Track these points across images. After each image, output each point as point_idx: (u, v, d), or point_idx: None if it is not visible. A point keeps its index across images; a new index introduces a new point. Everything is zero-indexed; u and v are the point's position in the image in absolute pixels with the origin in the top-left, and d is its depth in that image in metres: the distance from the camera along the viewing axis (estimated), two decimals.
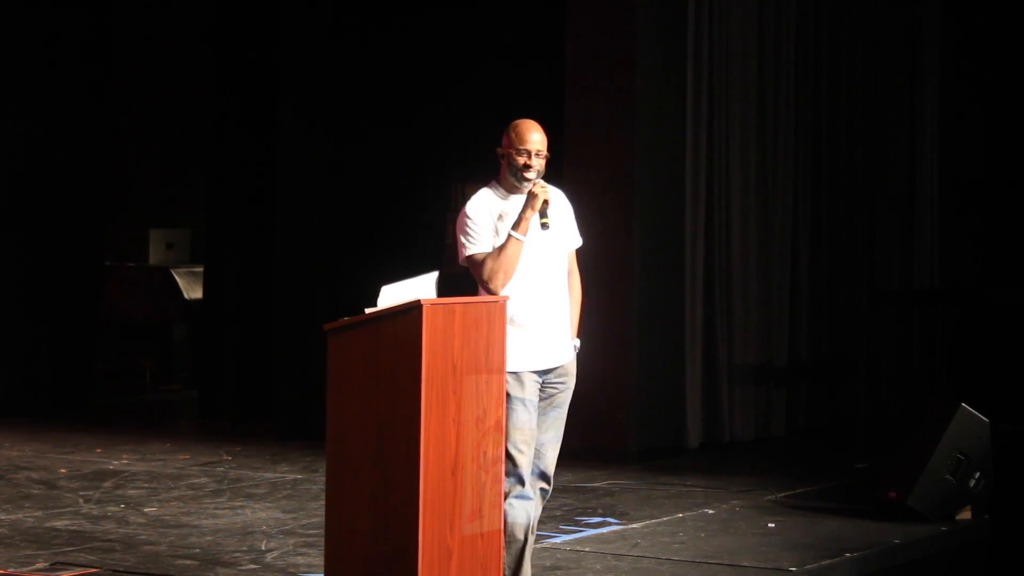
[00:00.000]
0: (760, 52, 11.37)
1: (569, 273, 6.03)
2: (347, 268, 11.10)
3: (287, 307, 11.33)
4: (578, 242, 6.08)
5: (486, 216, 5.81)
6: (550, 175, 5.89)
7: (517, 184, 5.83)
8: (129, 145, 14.69)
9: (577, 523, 8.02)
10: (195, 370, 13.39)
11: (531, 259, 5.81)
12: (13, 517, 8.07)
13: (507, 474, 5.73)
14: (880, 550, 7.53)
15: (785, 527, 7.98)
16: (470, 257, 5.80)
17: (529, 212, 5.75)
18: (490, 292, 5.74)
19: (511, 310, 5.75)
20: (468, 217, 5.82)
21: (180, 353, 14.42)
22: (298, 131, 11.37)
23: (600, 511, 8.38)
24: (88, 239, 12.96)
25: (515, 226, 5.75)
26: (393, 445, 5.35)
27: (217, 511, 8.32)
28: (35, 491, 8.89)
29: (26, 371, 12.39)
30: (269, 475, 9.54)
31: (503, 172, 5.88)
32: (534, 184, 5.78)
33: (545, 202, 5.76)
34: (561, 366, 5.92)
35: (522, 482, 5.80)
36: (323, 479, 5.65)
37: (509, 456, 5.73)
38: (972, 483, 8.12)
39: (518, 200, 5.83)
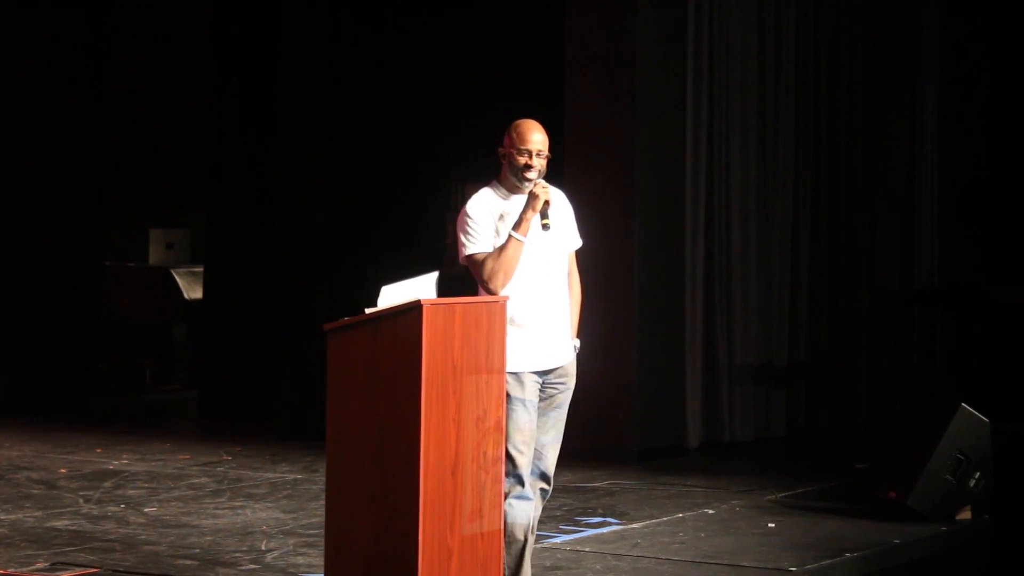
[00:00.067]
0: (760, 52, 11.37)
1: (569, 274, 6.02)
2: (347, 268, 11.09)
3: (287, 307, 11.33)
4: (578, 243, 6.08)
5: (487, 215, 5.81)
6: (550, 175, 5.89)
7: (518, 184, 5.83)
8: (129, 145, 14.69)
9: (577, 523, 8.02)
10: (195, 370, 13.39)
11: (531, 260, 5.81)
12: (13, 517, 8.07)
13: (507, 474, 5.73)
14: (880, 550, 7.53)
15: (785, 527, 7.98)
16: (470, 256, 5.80)
17: (530, 213, 5.75)
18: (490, 292, 5.74)
19: (511, 310, 5.75)
20: (469, 216, 5.82)
21: (180, 353, 14.43)
22: (298, 131, 11.37)
23: (600, 511, 8.38)
24: (88, 239, 12.97)
25: (516, 226, 5.75)
26: (393, 445, 5.35)
27: (217, 511, 8.32)
28: (35, 491, 8.89)
29: (26, 371, 12.39)
30: (269, 475, 9.54)
31: (504, 172, 5.87)
32: (535, 184, 5.78)
33: (546, 203, 5.76)
34: (561, 367, 5.92)
35: (522, 482, 5.80)
36: (323, 479, 5.65)
37: (509, 457, 5.73)
38: (972, 483, 8.12)
39: (519, 200, 5.83)
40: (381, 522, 5.36)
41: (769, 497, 8.84)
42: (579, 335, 6.06)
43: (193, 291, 14.14)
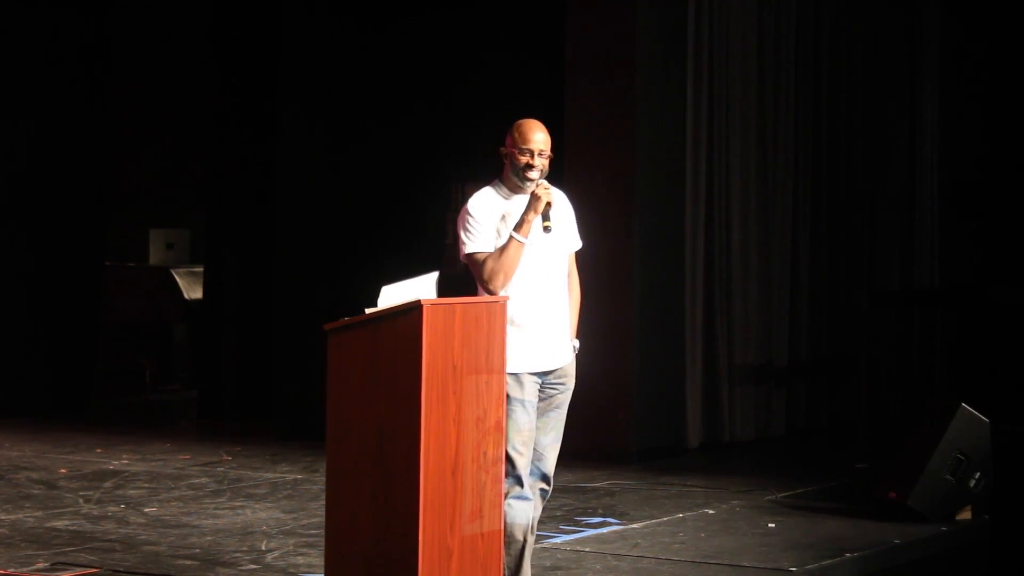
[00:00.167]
0: (760, 52, 11.38)
1: (568, 275, 6.02)
2: (347, 268, 11.10)
3: (287, 307, 11.33)
4: (578, 244, 6.07)
5: (489, 215, 5.80)
6: (551, 176, 5.88)
7: (520, 184, 5.82)
8: (129, 145, 14.70)
9: (577, 523, 8.02)
10: (195, 370, 13.39)
11: (532, 261, 5.80)
12: (13, 517, 8.06)
13: (506, 475, 5.72)
14: (880, 550, 7.53)
15: (785, 527, 7.98)
16: (470, 255, 5.80)
17: (532, 214, 5.74)
18: (489, 292, 5.73)
19: (511, 311, 5.74)
20: (470, 215, 5.81)
21: (180, 353, 14.43)
22: (298, 131, 11.37)
23: (600, 511, 8.38)
24: (88, 239, 12.97)
25: (517, 227, 5.74)
26: (393, 445, 5.34)
27: (217, 511, 8.32)
28: (35, 491, 8.89)
29: (26, 371, 12.39)
30: (269, 475, 9.54)
31: (506, 171, 5.86)
32: (538, 186, 5.77)
33: (548, 204, 5.75)
34: (560, 368, 5.92)
35: (521, 483, 5.80)
36: (323, 479, 5.64)
37: (508, 457, 5.73)
38: (972, 483, 8.12)
39: (521, 200, 5.82)
40: (381, 522, 5.35)
41: (769, 497, 8.84)
42: (579, 335, 6.06)
43: (193, 291, 14.15)
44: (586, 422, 8.75)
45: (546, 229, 5.76)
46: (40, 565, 6.93)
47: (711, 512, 8.37)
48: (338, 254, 11.25)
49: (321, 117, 11.31)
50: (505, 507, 5.72)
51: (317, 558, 6.85)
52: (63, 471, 9.60)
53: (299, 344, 10.98)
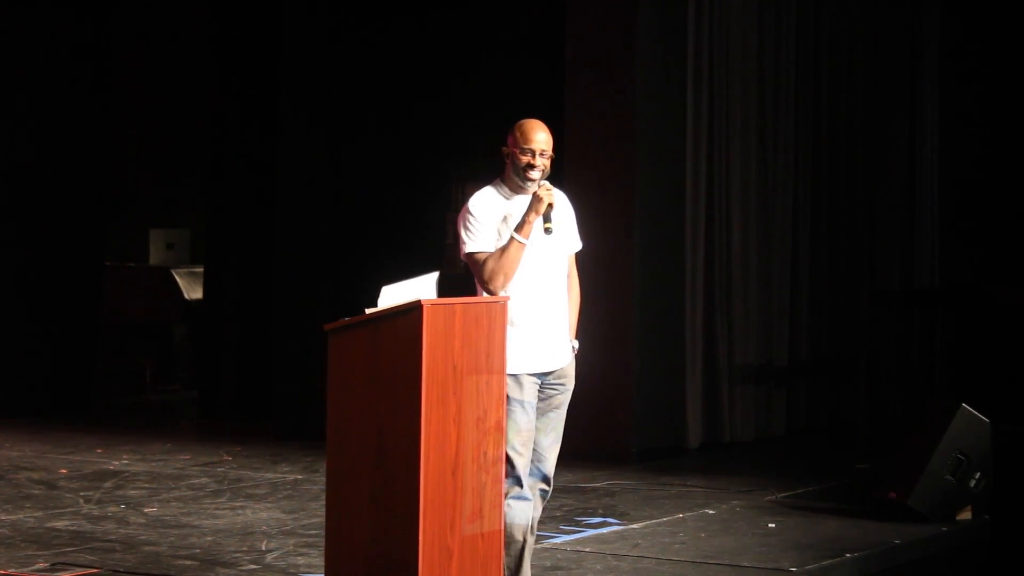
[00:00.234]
0: (760, 52, 11.38)
1: (568, 276, 6.01)
2: (347, 268, 11.10)
3: (287, 307, 11.33)
4: (578, 246, 6.06)
5: (490, 215, 5.79)
6: (550, 175, 5.88)
7: (521, 184, 5.82)
8: (129, 145, 14.70)
9: (577, 523, 8.02)
10: (195, 370, 13.39)
11: (532, 262, 5.80)
12: (14, 517, 8.06)
13: (505, 475, 5.72)
14: (880, 550, 7.53)
15: (785, 527, 7.98)
16: (471, 255, 5.79)
17: (533, 215, 5.73)
18: (489, 292, 5.73)
19: (510, 312, 5.74)
20: (471, 214, 5.80)
21: (180, 353, 14.44)
22: (298, 131, 11.37)
23: (600, 511, 8.38)
24: (88, 239, 12.97)
25: (518, 228, 5.73)
26: (393, 445, 5.34)
27: (217, 511, 8.31)
28: (35, 491, 8.89)
29: (26, 371, 12.39)
30: (269, 475, 9.54)
31: (508, 171, 5.85)
32: (540, 187, 5.77)
33: (549, 206, 5.75)
34: (560, 368, 5.91)
35: (520, 483, 5.79)
36: (323, 479, 5.64)
37: (507, 458, 5.72)
38: (972, 483, 8.12)
39: (522, 200, 5.81)
40: (381, 522, 5.35)
41: (769, 497, 8.84)
42: (578, 335, 6.06)
43: (193, 291, 14.15)
44: (586, 422, 8.74)
45: (547, 230, 5.75)
46: (40, 565, 6.93)
47: (711, 512, 8.37)
48: (338, 254, 11.25)
49: (321, 117, 11.31)
50: (504, 507, 5.72)
51: (317, 558, 6.85)
52: (63, 471, 9.60)
53: (299, 344, 10.98)
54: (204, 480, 9.35)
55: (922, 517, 8.04)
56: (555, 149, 5.89)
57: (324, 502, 5.57)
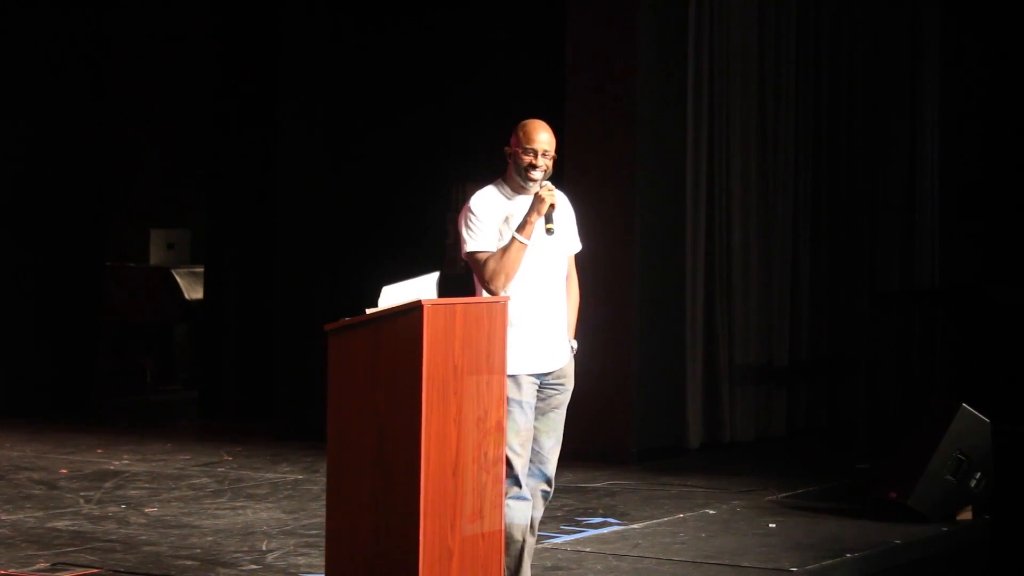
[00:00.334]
0: (760, 52, 11.37)
1: (568, 276, 6.01)
2: (347, 268, 11.10)
3: (287, 307, 11.33)
4: (578, 247, 6.06)
5: (492, 214, 5.78)
6: (551, 176, 5.88)
7: (523, 184, 5.81)
8: (129, 145, 14.70)
9: (578, 523, 8.02)
10: (195, 370, 13.40)
11: (532, 262, 5.79)
12: (14, 517, 8.06)
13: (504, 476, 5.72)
14: (881, 550, 7.53)
15: (786, 527, 7.98)
16: (471, 254, 5.79)
17: (535, 216, 5.72)
18: (489, 292, 5.73)
19: (509, 312, 5.73)
20: (473, 213, 5.79)
21: (180, 353, 14.44)
22: (298, 131, 11.37)
23: (601, 511, 8.38)
24: (88, 239, 12.97)
25: (520, 229, 5.73)
26: (394, 445, 5.34)
27: (218, 511, 8.32)
28: (36, 491, 8.89)
29: (26, 371, 12.39)
30: (270, 475, 9.54)
31: (509, 171, 5.85)
32: (541, 187, 5.76)
33: (551, 207, 5.74)
34: (559, 369, 5.91)
35: (519, 483, 5.79)
36: (323, 479, 5.64)
37: (506, 458, 5.72)
38: (973, 483, 8.12)
39: (523, 201, 5.81)
40: (382, 522, 5.35)
41: (770, 497, 8.84)
42: (578, 336, 6.06)
43: (193, 291, 14.15)
44: (586, 422, 8.75)
45: (549, 231, 5.75)
46: (41, 565, 6.93)
47: (712, 512, 8.37)
48: (338, 254, 11.25)
49: (321, 117, 11.31)
50: (504, 508, 5.72)
51: (318, 558, 6.85)
52: (64, 471, 9.60)
53: (299, 344, 10.98)
54: (204, 480, 9.35)
55: (922, 517, 8.04)
56: (556, 150, 5.88)
57: (324, 502, 5.57)
